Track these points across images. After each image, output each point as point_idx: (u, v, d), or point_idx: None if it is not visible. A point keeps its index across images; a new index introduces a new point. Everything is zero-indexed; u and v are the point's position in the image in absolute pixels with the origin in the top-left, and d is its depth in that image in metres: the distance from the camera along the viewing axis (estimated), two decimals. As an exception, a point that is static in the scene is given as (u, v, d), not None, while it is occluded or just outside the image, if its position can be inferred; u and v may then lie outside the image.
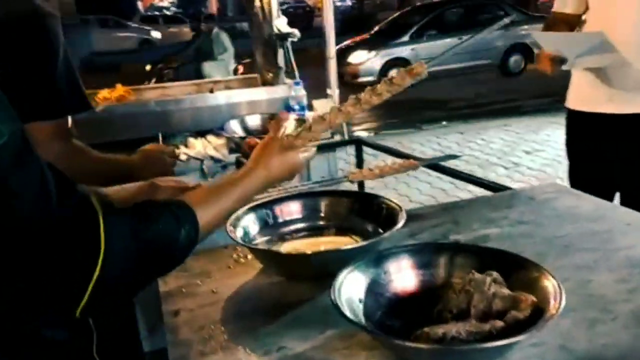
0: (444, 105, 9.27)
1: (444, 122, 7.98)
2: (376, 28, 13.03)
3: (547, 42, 2.18)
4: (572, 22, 2.32)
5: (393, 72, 1.09)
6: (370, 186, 5.14)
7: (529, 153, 6.13)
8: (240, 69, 6.98)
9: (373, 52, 11.29)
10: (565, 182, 2.48)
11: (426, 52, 10.70)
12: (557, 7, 2.35)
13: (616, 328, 1.00)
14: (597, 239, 1.34)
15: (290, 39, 3.15)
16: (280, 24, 3.17)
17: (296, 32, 3.15)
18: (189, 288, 1.25)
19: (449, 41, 10.86)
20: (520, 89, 10.13)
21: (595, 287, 1.14)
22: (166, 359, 1.02)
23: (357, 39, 12.23)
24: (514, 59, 12.00)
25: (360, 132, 7.54)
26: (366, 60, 11.23)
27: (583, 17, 2.30)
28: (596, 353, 0.94)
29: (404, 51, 11.37)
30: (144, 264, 0.84)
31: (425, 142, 6.98)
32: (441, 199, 4.93)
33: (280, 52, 3.23)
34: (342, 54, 10.56)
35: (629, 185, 2.26)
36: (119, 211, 0.83)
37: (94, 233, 0.75)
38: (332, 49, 3.08)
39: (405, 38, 11.65)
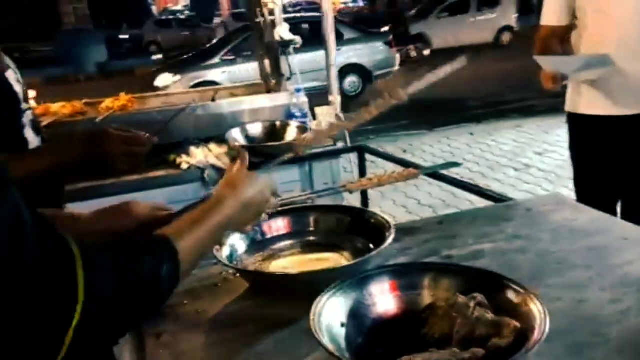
0: (454, 106, 9.20)
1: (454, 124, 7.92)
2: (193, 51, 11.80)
3: (546, 64, 2.25)
4: (561, 34, 2.33)
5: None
6: (379, 189, 5.13)
7: (540, 154, 6.05)
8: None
9: (178, 76, 10.07)
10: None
11: (240, 75, 9.10)
12: (545, 21, 2.35)
13: (607, 353, 0.97)
14: (592, 255, 1.30)
15: (292, 46, 3.13)
16: (283, 31, 3.16)
17: (298, 39, 3.13)
18: (174, 309, 1.23)
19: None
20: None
21: (588, 308, 1.10)
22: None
23: (169, 62, 11.06)
24: (349, 81, 10.72)
25: (370, 135, 7.49)
26: (171, 84, 9.75)
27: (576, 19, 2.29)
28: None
29: (215, 74, 10.13)
30: (126, 307, 0.80)
31: (435, 144, 6.93)
32: (451, 202, 4.88)
33: (283, 60, 3.21)
34: (152, 78, 9.97)
35: (630, 187, 2.25)
36: (98, 253, 0.79)
37: (71, 279, 0.72)
38: (333, 55, 3.06)
39: (216, 60, 10.45)
